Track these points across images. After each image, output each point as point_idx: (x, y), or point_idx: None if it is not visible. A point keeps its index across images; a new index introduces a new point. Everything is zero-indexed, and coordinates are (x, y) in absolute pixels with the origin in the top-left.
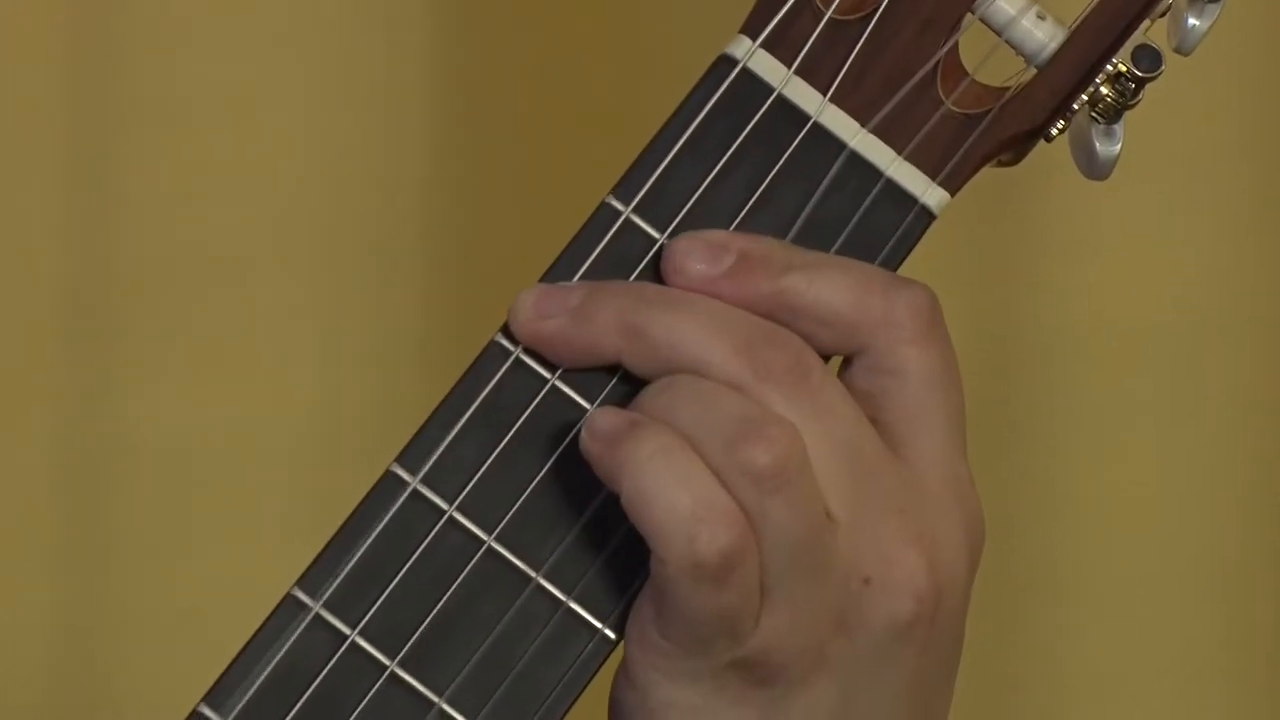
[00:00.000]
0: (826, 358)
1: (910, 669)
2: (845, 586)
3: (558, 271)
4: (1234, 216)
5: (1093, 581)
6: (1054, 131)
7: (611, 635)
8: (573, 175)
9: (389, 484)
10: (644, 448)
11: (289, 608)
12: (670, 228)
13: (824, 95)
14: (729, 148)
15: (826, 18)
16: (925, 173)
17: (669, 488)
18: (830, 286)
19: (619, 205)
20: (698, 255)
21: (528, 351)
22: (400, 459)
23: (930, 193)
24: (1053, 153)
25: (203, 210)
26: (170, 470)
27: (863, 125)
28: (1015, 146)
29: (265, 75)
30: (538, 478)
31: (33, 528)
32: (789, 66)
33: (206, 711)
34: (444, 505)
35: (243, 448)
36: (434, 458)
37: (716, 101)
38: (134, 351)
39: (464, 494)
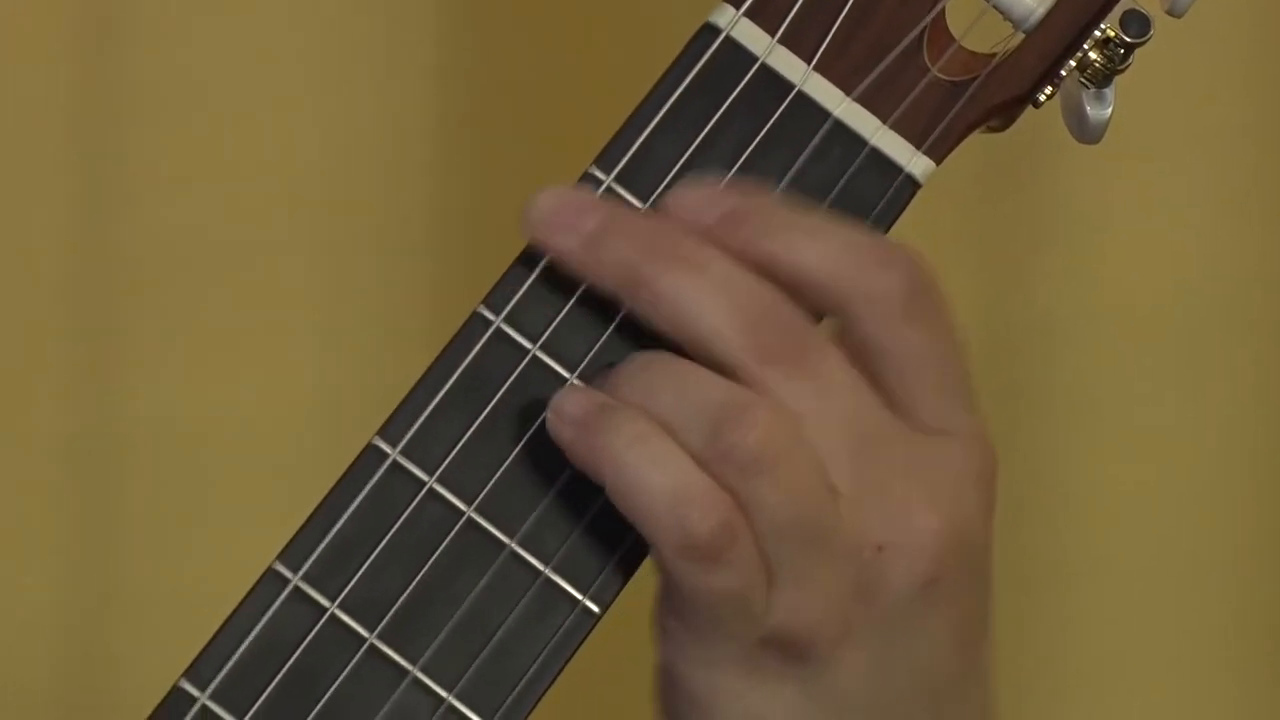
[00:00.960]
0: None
1: (946, 624)
2: (857, 556)
3: None
4: (1238, 201)
5: (1096, 570)
6: (1042, 98)
7: (594, 608)
8: (580, 161)
9: (369, 456)
10: (620, 436)
11: (269, 581)
12: (652, 197)
13: (808, 64)
14: (712, 117)
15: None
16: (910, 141)
17: (650, 475)
18: (817, 255)
19: (601, 175)
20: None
21: (508, 322)
22: (381, 431)
23: (915, 161)
24: (1054, 138)
25: (208, 198)
26: (177, 457)
27: (847, 94)
28: (1002, 113)
29: (270, 62)
30: (518, 449)
31: (39, 515)
32: (772, 35)
33: (187, 686)
34: (424, 476)
35: (249, 435)
36: (414, 429)
37: (699, 70)
38: (139, 340)
39: (444, 465)
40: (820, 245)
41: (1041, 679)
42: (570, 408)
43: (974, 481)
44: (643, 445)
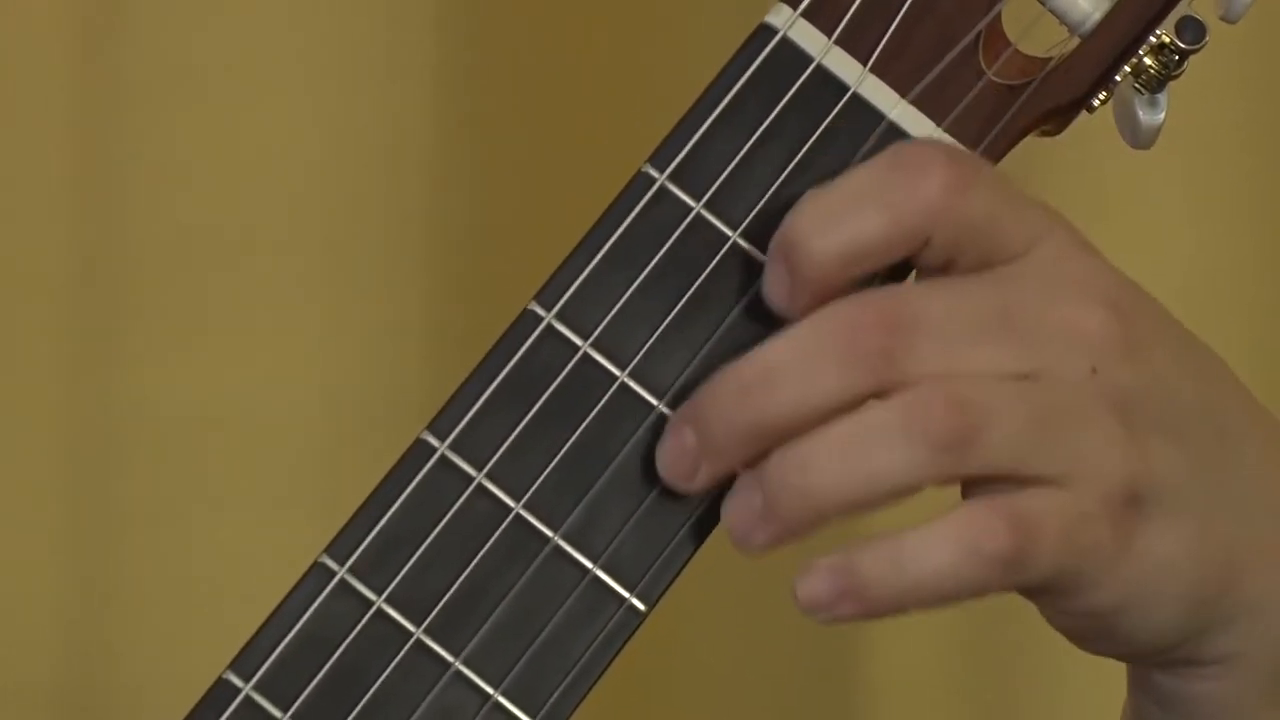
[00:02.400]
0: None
1: (1172, 363)
2: (1085, 395)
3: (594, 240)
4: (1233, 199)
5: None
6: (1096, 103)
7: (640, 606)
8: (580, 157)
9: (418, 450)
10: (881, 563)
11: (316, 574)
12: (706, 196)
13: (864, 65)
14: (767, 117)
15: None
16: (965, 144)
17: (932, 560)
18: (855, 227)
19: (654, 173)
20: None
21: (560, 319)
22: (430, 426)
23: None
24: (1050, 142)
25: (208, 197)
26: (177, 454)
27: (902, 96)
28: (1057, 118)
29: (271, 61)
30: (567, 446)
31: (39, 511)
32: (829, 36)
33: (232, 678)
34: (473, 472)
35: (250, 431)
36: (463, 424)
37: (755, 70)
38: (143, 330)
39: (493, 461)
40: (850, 216)
41: (1042, 671)
42: (818, 593)
43: (1083, 251)
44: (898, 551)
